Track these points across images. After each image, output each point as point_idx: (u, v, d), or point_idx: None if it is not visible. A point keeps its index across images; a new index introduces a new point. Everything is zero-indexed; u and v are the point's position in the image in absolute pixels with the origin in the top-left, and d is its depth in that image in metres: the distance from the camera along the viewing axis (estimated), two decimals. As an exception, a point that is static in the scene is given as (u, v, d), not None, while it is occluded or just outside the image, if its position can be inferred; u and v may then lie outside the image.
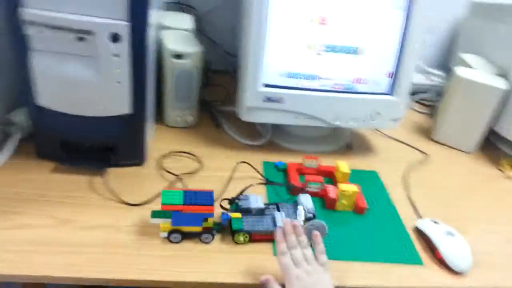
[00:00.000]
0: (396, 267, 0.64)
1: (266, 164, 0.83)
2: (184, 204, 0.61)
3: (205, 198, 0.63)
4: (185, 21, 0.95)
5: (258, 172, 0.79)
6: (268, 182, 0.77)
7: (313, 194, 0.75)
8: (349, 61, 0.81)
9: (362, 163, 0.88)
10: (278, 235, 0.58)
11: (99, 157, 0.74)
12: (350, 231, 0.70)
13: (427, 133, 1.04)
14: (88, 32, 0.62)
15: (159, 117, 0.89)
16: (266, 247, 0.64)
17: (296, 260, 0.55)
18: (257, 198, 0.68)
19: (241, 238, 0.64)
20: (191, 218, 0.61)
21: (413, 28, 0.79)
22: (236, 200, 0.68)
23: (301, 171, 0.80)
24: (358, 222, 0.72)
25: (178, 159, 0.81)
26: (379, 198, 0.78)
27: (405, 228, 0.72)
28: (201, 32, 1.07)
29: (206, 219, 0.62)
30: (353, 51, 0.80)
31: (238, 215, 0.66)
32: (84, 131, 0.71)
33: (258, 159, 0.83)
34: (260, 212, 0.67)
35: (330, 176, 0.82)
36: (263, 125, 0.91)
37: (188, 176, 0.76)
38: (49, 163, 0.73)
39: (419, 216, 0.75)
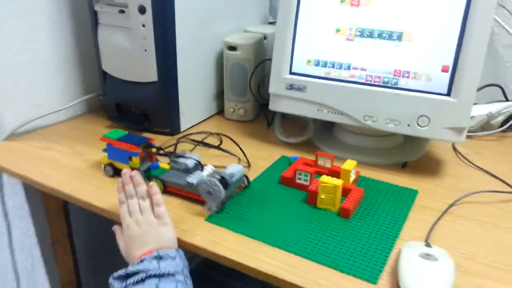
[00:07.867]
0: (345, 277, 0.50)
1: (283, 158, 0.77)
2: (117, 140, 0.66)
3: (138, 140, 0.66)
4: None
5: (245, 157, 0.76)
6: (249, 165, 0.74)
7: (301, 187, 0.66)
8: (389, 49, 0.69)
9: (412, 182, 0.70)
10: (118, 185, 0.58)
11: (139, 121, 0.85)
12: (318, 229, 0.57)
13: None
14: (125, 5, 0.77)
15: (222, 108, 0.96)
16: (180, 202, 0.63)
17: (131, 210, 0.56)
18: (197, 157, 0.66)
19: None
20: (119, 154, 0.66)
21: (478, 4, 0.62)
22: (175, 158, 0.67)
23: (311, 168, 0.71)
24: (333, 223, 0.59)
25: (209, 139, 0.84)
26: (390, 213, 0.61)
27: (391, 247, 0.54)
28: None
29: (131, 158, 0.65)
30: (396, 36, 0.68)
31: (166, 166, 0.67)
32: (130, 96, 0.85)
33: (284, 154, 0.79)
34: (187, 169, 0.65)
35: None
36: (308, 124, 0.85)
37: (206, 150, 0.79)
38: (107, 121, 0.91)
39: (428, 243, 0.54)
